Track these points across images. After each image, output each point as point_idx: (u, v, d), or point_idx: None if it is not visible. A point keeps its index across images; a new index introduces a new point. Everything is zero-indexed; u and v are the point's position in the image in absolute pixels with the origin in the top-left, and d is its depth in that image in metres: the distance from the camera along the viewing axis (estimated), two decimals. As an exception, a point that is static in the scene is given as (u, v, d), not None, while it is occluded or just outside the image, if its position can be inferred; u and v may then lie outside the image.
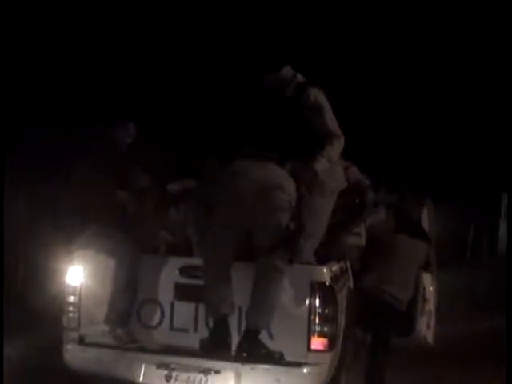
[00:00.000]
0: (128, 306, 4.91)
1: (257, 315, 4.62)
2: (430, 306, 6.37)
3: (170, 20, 13.26)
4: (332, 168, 5.16)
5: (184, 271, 4.87)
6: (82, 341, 4.95)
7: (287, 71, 5.19)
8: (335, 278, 4.86)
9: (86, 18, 12.00)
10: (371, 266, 5.96)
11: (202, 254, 4.87)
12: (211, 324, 4.73)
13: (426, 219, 7.05)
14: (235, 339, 4.66)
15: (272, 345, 4.61)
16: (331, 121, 5.07)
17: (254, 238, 4.73)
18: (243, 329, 4.68)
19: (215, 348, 4.63)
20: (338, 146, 5.05)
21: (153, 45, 12.77)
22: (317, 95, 5.09)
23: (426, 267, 6.32)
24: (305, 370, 4.56)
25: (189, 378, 4.65)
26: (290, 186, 4.77)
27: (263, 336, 4.62)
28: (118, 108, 5.68)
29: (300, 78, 5.22)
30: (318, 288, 4.63)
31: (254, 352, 4.56)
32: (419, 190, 7.77)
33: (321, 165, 4.90)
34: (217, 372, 4.62)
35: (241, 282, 4.72)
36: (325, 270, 4.73)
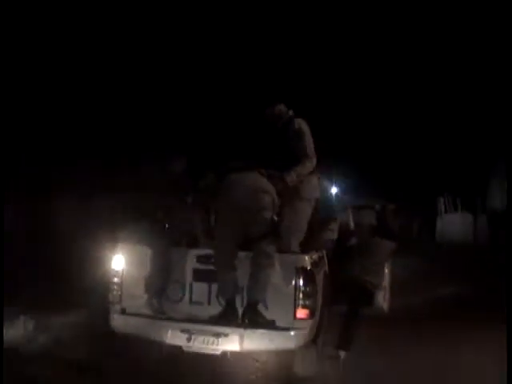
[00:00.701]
0: (162, 283, 4.89)
1: (255, 291, 4.64)
2: (386, 283, 6.38)
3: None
4: (309, 180, 5.22)
5: (200, 259, 4.88)
6: (123, 312, 4.92)
7: (282, 107, 5.33)
8: (314, 264, 4.87)
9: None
10: (356, 259, 5.99)
11: (213, 247, 4.85)
12: (222, 302, 4.75)
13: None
14: (239, 310, 4.69)
15: (267, 314, 4.66)
16: (309, 145, 5.17)
17: (248, 231, 4.76)
18: (245, 302, 4.70)
19: (226, 319, 4.66)
20: (308, 167, 5.15)
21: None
22: (301, 123, 5.24)
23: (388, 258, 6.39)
24: (292, 333, 4.56)
25: (204, 339, 4.61)
26: (271, 189, 4.86)
27: (261, 308, 4.65)
28: (175, 145, 5.67)
29: (291, 112, 5.37)
30: (301, 272, 4.64)
31: (254, 320, 4.60)
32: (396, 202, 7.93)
33: (291, 178, 5.03)
34: (225, 335, 4.58)
35: (243, 267, 4.72)
36: (306, 258, 4.75)
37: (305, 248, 5.07)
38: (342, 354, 5.71)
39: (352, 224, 6.90)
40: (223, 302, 4.74)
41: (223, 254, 4.73)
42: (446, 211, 26.50)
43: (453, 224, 24.90)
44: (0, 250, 5.83)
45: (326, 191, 6.28)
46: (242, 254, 4.77)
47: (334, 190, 7.19)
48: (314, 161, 5.16)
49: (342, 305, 5.86)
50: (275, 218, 4.83)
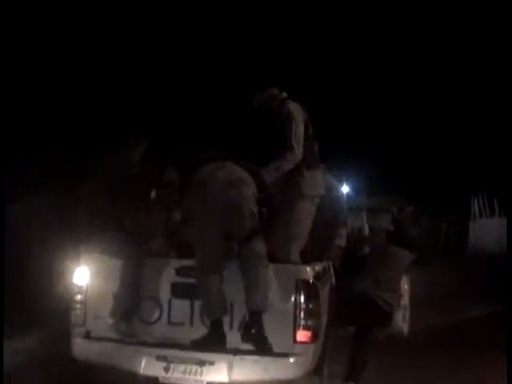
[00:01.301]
0: (132, 303, 4.67)
1: (255, 297, 4.43)
2: (405, 301, 6.30)
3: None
4: (312, 174, 5.04)
5: (180, 271, 4.67)
6: (87, 335, 4.70)
7: (274, 91, 5.25)
8: (318, 276, 4.63)
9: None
10: (369, 271, 5.87)
11: (195, 257, 4.66)
12: (207, 323, 4.54)
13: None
14: (228, 332, 4.55)
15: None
16: (295, 133, 4.96)
17: (232, 230, 4.58)
18: (243, 316, 4.53)
19: (211, 344, 4.47)
20: (290, 160, 4.92)
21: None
22: (291, 106, 5.05)
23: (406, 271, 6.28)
24: (291, 360, 4.35)
25: (185, 368, 4.41)
26: (249, 179, 4.69)
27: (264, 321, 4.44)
28: (132, 128, 5.60)
29: (284, 95, 5.23)
30: (302, 285, 4.43)
31: (258, 333, 4.42)
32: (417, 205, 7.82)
33: (269, 175, 4.85)
34: (211, 363, 4.37)
35: (232, 278, 4.57)
36: (308, 269, 4.52)
37: (307, 257, 4.90)
38: (351, 386, 5.63)
39: (367, 229, 6.84)
40: (208, 323, 4.50)
41: (205, 263, 4.49)
42: (480, 215, 26.41)
43: (488, 230, 24.73)
44: (1, 252, 5.78)
45: (334, 189, 6.16)
46: (229, 263, 4.58)
47: (344, 189, 7.10)
48: (298, 152, 4.87)
49: (352, 326, 5.79)
50: (263, 210, 4.68)
